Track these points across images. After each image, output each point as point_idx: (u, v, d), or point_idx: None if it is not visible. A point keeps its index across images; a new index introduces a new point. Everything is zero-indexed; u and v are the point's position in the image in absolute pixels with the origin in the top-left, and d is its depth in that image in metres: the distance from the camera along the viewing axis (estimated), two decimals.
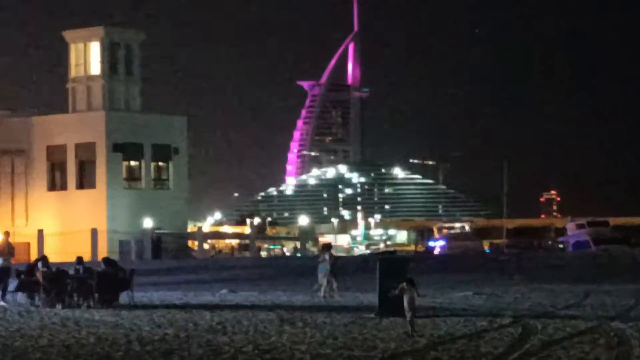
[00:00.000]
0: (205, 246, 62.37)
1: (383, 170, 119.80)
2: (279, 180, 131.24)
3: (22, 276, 16.80)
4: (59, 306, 15.69)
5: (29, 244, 47.77)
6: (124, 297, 16.60)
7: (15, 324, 12.31)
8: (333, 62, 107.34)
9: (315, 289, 18.36)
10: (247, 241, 66.26)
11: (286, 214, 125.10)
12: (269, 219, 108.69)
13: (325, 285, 17.83)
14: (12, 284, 16.85)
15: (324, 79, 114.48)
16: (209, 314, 14.15)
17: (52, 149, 55.46)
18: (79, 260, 17.75)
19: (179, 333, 10.77)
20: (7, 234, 18.65)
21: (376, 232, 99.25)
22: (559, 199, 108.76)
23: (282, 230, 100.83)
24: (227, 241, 76.82)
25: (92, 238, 48.50)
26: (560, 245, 61.20)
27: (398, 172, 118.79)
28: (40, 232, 49.14)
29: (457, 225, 70.97)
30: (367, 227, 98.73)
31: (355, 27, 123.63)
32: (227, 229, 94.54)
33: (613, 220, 67.88)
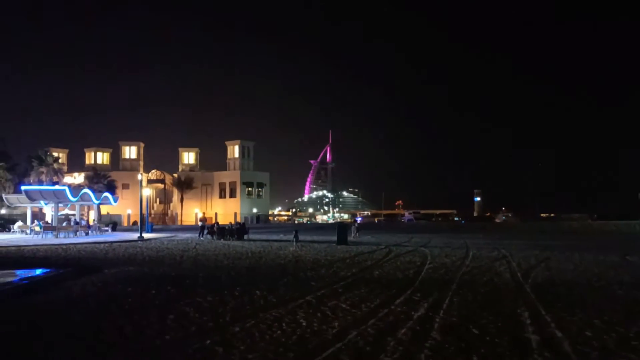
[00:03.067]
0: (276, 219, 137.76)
1: (339, 193, 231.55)
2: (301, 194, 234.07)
3: (208, 228, 40.30)
4: (221, 239, 36.43)
5: (213, 216, 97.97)
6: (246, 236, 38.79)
7: (208, 245, 31.12)
8: (322, 153, 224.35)
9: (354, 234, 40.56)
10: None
11: (310, 210, 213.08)
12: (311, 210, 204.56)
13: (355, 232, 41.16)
14: (204, 231, 40.43)
15: (318, 159, 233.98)
16: (276, 244, 31.60)
17: (222, 183, 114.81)
18: (236, 222, 47.15)
19: (264, 250, 26.57)
20: (204, 214, 78.18)
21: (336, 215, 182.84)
22: (402, 202, 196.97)
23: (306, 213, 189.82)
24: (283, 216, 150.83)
25: (235, 217, 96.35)
26: (403, 219, 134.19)
27: (345, 194, 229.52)
28: (216, 214, 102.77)
29: (366, 213, 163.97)
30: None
31: (330, 140, 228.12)
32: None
33: (422, 211, 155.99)
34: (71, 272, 15.74)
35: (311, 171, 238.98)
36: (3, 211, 62.55)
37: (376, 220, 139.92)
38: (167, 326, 8.48)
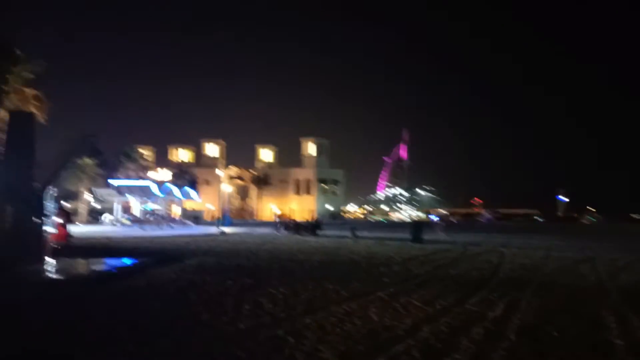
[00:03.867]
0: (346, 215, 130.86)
1: (414, 191, 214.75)
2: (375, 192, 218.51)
3: (284, 224, 44.62)
4: (297, 235, 38.64)
5: (289, 212, 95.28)
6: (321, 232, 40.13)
7: (284, 239, 32.72)
8: (396, 150, 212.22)
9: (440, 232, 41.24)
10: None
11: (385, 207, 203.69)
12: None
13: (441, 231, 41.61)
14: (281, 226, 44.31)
15: (393, 156, 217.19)
16: (351, 241, 31.38)
17: (297, 180, 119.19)
18: (314, 219, 47.52)
19: (338, 245, 27.10)
20: (281, 211, 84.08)
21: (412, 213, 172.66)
22: (480, 201, 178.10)
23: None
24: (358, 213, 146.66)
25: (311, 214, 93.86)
26: (481, 219, 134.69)
27: (421, 192, 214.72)
28: (292, 210, 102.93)
29: (443, 211, 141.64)
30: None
31: (404, 137, 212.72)
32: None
33: (502, 210, 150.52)
34: (154, 261, 16.59)
35: (385, 168, 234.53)
36: (95, 205, 66.96)
37: (453, 219, 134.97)
38: (241, 315, 8.74)
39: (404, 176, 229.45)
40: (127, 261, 16.35)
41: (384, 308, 9.49)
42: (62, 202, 34.98)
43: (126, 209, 59.18)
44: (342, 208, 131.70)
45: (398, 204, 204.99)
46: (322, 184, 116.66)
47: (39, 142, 15.16)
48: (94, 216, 60.70)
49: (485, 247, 26.80)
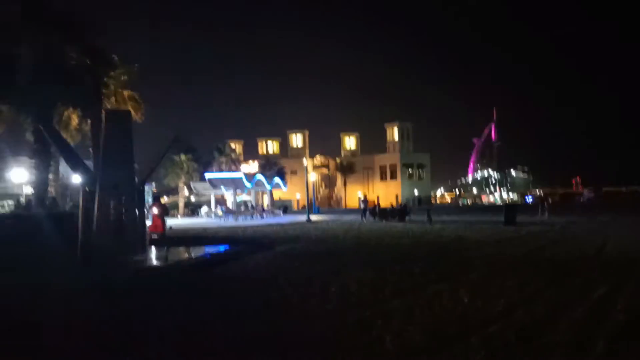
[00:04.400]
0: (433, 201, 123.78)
1: (506, 172, 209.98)
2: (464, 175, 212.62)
3: (370, 210, 40.87)
4: (384, 221, 36.76)
5: (375, 199, 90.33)
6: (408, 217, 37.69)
7: (370, 225, 32.19)
8: (486, 131, 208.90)
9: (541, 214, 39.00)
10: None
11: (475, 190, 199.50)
12: None
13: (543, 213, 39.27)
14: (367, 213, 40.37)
15: (482, 137, 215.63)
16: (438, 225, 30.15)
17: (382, 166, 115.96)
18: (398, 205, 48.92)
19: (425, 230, 26.41)
20: (365, 195, 49.25)
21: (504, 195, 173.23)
22: (579, 179, 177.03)
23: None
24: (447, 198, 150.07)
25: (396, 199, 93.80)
26: (582, 199, 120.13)
27: (514, 173, 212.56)
28: (378, 197, 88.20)
29: (538, 192, 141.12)
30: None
31: (494, 117, 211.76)
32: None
33: (605, 188, 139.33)
34: (247, 248, 17.23)
35: (474, 150, 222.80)
36: (192, 198, 70.40)
37: (551, 199, 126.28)
38: (329, 297, 8.84)
39: (494, 157, 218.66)
40: (221, 249, 17.08)
41: (476, 290, 9.20)
42: (158, 195, 37.10)
43: (220, 201, 61.69)
44: (432, 193, 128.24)
45: (490, 187, 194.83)
46: (408, 169, 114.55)
47: (136, 142, 16.05)
48: (192, 209, 63.85)
49: (586, 228, 25.25)
